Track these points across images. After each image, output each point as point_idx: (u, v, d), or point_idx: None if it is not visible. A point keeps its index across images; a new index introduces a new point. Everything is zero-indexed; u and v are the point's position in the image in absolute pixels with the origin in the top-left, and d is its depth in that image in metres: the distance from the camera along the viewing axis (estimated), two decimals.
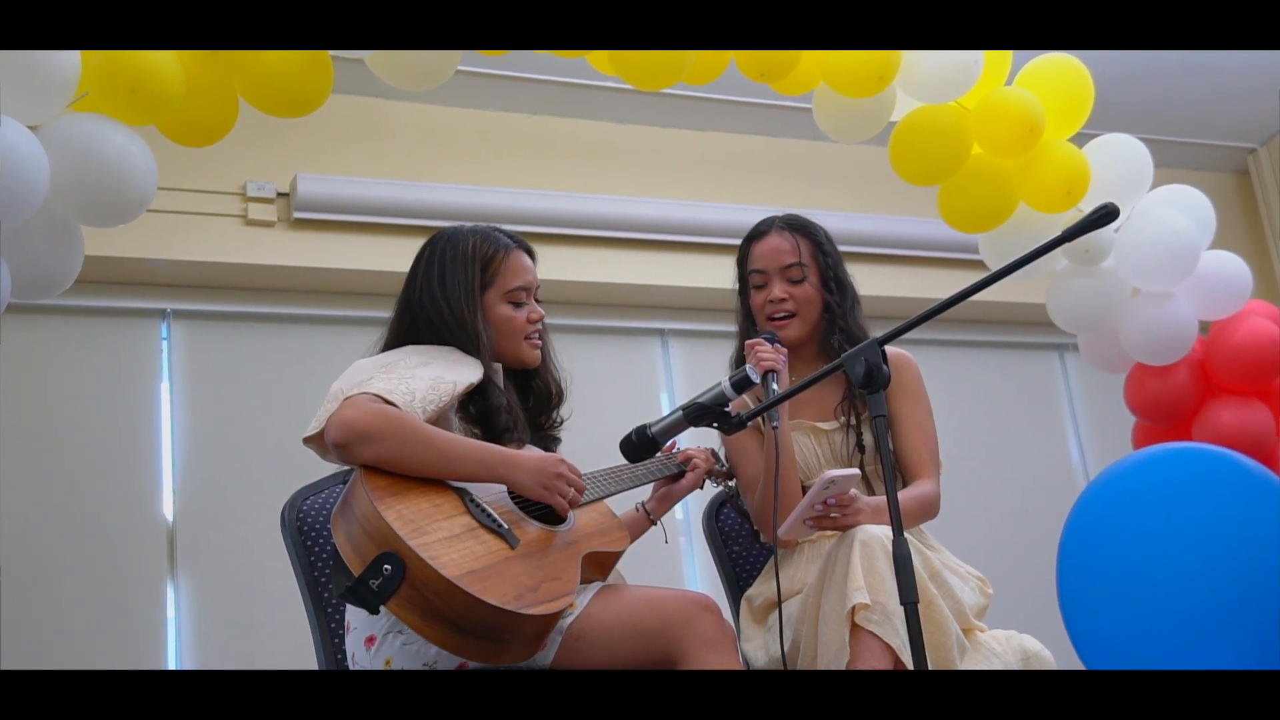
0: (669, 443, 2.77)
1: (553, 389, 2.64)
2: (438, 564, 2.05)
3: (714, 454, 2.89)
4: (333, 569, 2.20)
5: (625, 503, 2.67)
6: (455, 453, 2.24)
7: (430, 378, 2.29)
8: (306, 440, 2.29)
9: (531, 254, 2.61)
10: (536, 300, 2.59)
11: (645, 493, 2.80)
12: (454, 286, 2.48)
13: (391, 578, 2.05)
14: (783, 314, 2.87)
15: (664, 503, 2.77)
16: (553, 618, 2.15)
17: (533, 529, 2.30)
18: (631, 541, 2.67)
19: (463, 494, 2.25)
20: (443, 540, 2.11)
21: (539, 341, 2.59)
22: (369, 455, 2.17)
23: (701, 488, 2.85)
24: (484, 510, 2.24)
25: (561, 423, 2.66)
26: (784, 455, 2.69)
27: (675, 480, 2.78)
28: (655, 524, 2.77)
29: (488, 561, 2.14)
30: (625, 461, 2.59)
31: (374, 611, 2.13)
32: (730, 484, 2.93)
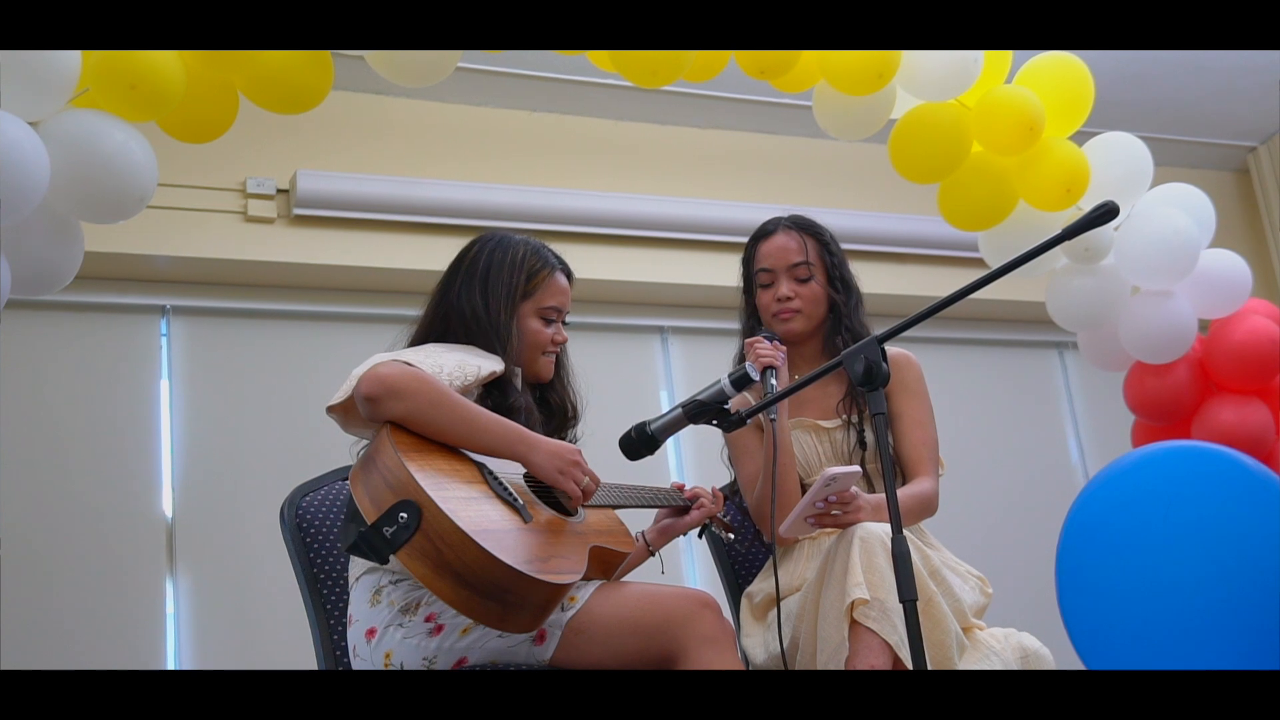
0: (679, 482, 2.79)
1: (568, 407, 2.69)
2: (455, 516, 2.08)
3: (725, 500, 2.86)
4: (344, 523, 2.23)
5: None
6: (479, 422, 2.28)
7: (456, 359, 2.36)
8: (330, 410, 2.32)
9: (571, 278, 2.67)
10: (563, 323, 2.64)
11: (646, 522, 2.80)
12: (496, 287, 2.54)
13: (406, 526, 2.08)
14: (789, 313, 2.88)
15: (664, 535, 2.78)
16: (558, 590, 2.16)
17: (545, 512, 2.34)
18: (630, 569, 2.69)
19: (481, 466, 2.30)
20: (460, 499, 2.15)
21: (553, 360, 2.64)
22: (397, 411, 2.21)
23: (700, 536, 2.85)
24: (501, 484, 2.28)
25: (575, 441, 2.68)
26: (782, 451, 2.70)
27: (679, 514, 2.78)
28: (654, 555, 2.78)
29: (502, 527, 2.17)
30: (625, 458, 2.59)
31: (383, 561, 2.15)
32: (729, 536, 2.91)
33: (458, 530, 2.07)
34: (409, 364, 2.25)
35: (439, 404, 2.23)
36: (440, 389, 2.24)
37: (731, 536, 2.90)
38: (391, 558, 2.12)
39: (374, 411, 2.22)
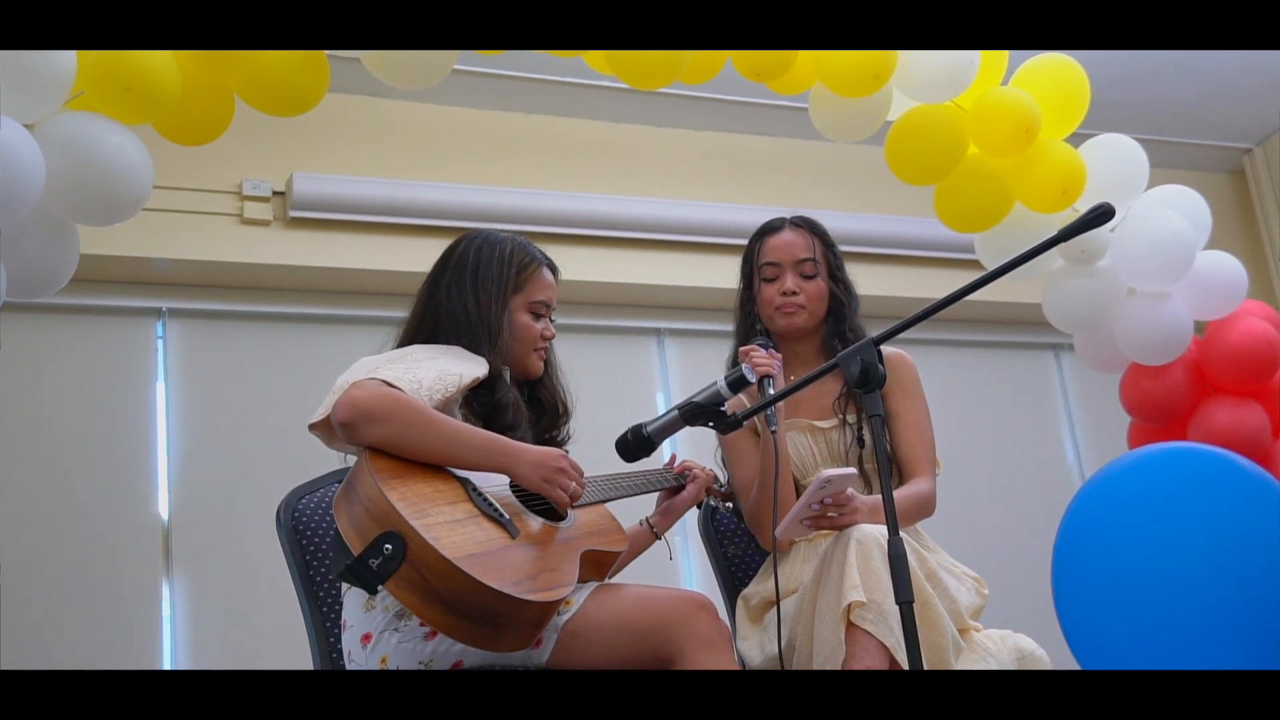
0: (669, 456, 2.79)
1: (559, 405, 2.67)
2: (439, 545, 2.06)
3: (715, 475, 2.88)
4: (333, 552, 2.21)
5: (628, 517, 2.66)
6: (460, 438, 2.26)
7: (437, 370, 2.32)
8: (312, 427, 2.31)
9: (556, 274, 2.66)
10: (550, 319, 2.64)
11: (648, 508, 2.80)
12: (487, 283, 2.53)
13: (391, 557, 2.06)
14: (794, 307, 2.89)
15: (667, 517, 2.78)
16: (550, 606, 2.16)
17: (533, 523, 2.32)
18: (635, 556, 2.68)
19: (465, 483, 2.27)
20: (444, 524, 2.13)
21: (543, 356, 2.64)
22: (375, 436, 2.18)
23: (700, 506, 2.84)
24: (486, 499, 2.26)
25: (568, 439, 2.68)
26: (781, 460, 2.69)
27: (675, 493, 2.78)
28: (659, 538, 2.78)
29: (488, 548, 2.15)
30: (621, 460, 2.59)
31: (372, 592, 2.14)
32: (728, 505, 2.91)
33: (442, 559, 2.05)
34: (386, 382, 2.22)
35: (417, 424, 2.20)
36: (418, 409, 2.21)
37: (730, 505, 2.90)
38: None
39: (352, 437, 2.20)
